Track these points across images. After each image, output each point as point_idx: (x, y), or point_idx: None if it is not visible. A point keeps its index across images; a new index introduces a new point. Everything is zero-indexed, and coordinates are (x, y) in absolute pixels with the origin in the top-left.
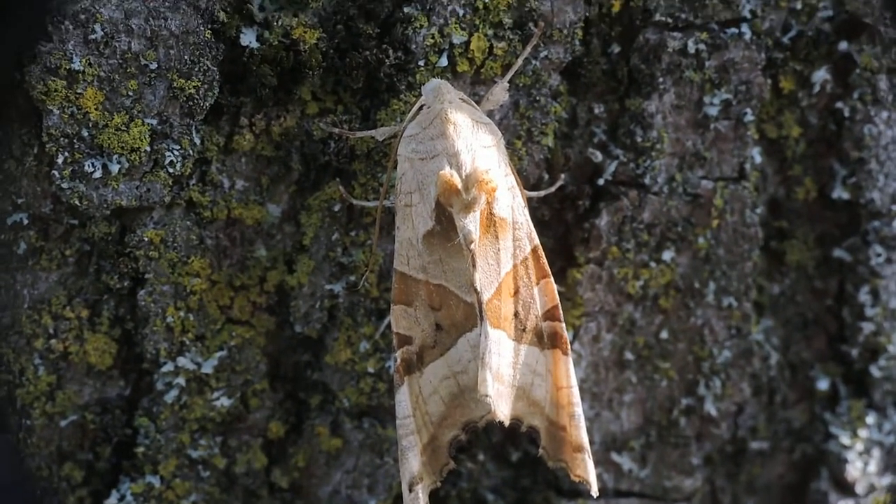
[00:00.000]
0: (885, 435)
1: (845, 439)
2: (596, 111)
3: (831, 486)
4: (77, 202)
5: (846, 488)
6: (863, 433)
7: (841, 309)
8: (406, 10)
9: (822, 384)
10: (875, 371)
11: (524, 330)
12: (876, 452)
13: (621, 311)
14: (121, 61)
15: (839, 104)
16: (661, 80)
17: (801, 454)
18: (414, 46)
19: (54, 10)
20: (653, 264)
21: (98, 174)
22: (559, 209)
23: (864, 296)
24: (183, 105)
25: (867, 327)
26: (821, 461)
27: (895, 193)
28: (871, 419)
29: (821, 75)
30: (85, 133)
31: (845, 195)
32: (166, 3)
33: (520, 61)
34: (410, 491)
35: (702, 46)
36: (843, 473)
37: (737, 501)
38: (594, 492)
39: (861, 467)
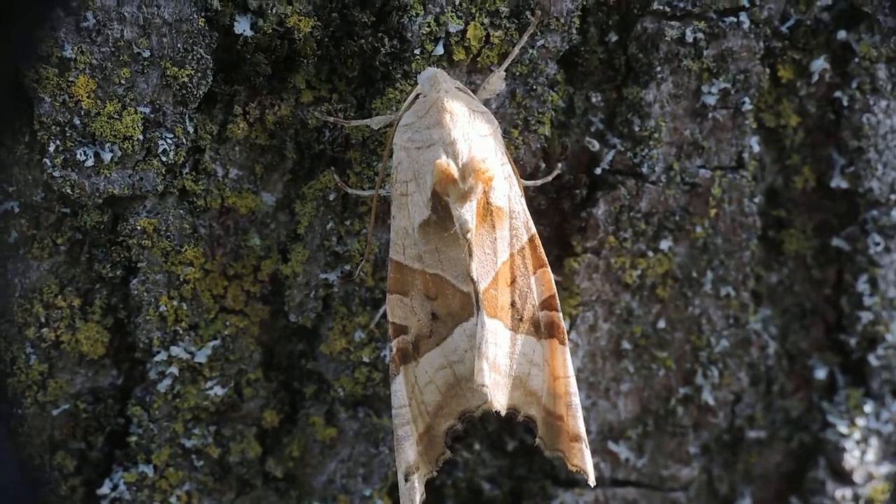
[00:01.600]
0: (882, 423)
1: (843, 428)
2: (593, 100)
3: (829, 475)
4: (69, 190)
5: (844, 477)
6: (860, 422)
7: (839, 298)
8: None
9: (820, 373)
10: (873, 360)
11: (521, 319)
12: (874, 441)
13: (618, 300)
14: (113, 49)
15: (838, 93)
16: (658, 68)
17: (799, 443)
18: (410, 35)
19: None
20: (650, 253)
21: (90, 162)
22: (556, 198)
23: (862, 285)
24: (176, 93)
25: (865, 316)
26: (818, 450)
27: (894, 182)
28: (868, 408)
29: (819, 64)
30: (77, 121)
31: (844, 184)
32: None
33: (516, 50)
34: (406, 480)
35: (700, 35)
36: (840, 462)
37: (734, 490)
38: (591, 481)
39: (859, 456)
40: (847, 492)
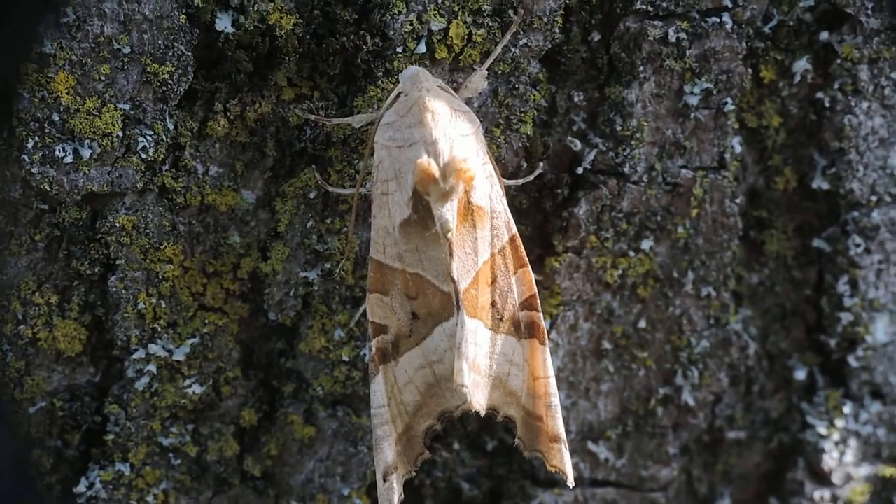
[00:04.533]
0: (861, 425)
1: (822, 429)
2: (575, 99)
3: (808, 476)
4: (47, 187)
5: (822, 478)
6: (840, 423)
7: (819, 299)
8: None
9: (800, 374)
10: (852, 361)
11: (501, 319)
12: (853, 442)
13: (599, 300)
14: (93, 45)
15: (820, 94)
16: (641, 68)
17: (778, 444)
18: (392, 33)
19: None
20: (631, 253)
21: (69, 159)
22: (538, 198)
23: (842, 286)
24: (156, 90)
25: (845, 318)
26: (797, 451)
27: (875, 184)
28: (847, 409)
29: (801, 65)
30: (56, 117)
31: (825, 185)
32: None
33: (499, 49)
34: (385, 480)
35: (682, 35)
36: (819, 463)
37: (713, 491)
38: (570, 482)
39: (837, 457)
40: (826, 493)
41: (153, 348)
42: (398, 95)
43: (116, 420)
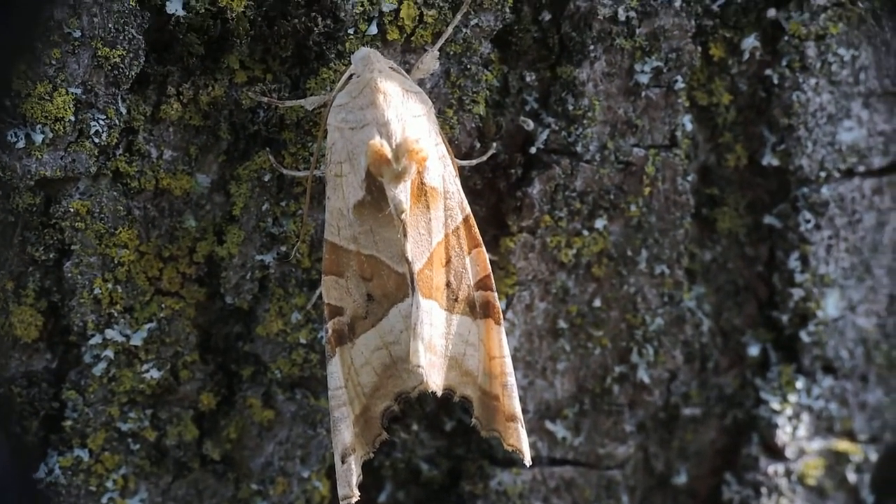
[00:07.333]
0: (813, 399)
1: (775, 404)
2: (527, 79)
3: (762, 451)
4: (0, 173)
5: (776, 453)
6: (792, 398)
7: (771, 275)
8: None
9: (753, 350)
10: (804, 336)
11: (456, 300)
12: (805, 417)
13: (554, 279)
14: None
15: (768, 71)
16: (591, 47)
17: (733, 420)
18: (343, 14)
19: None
20: (585, 232)
21: (21, 144)
22: (491, 178)
23: (793, 262)
24: (108, 74)
25: (797, 293)
26: (752, 426)
27: (823, 160)
28: (800, 384)
29: (750, 42)
30: (6, 102)
31: (775, 162)
32: None
33: (450, 29)
34: (343, 462)
35: (632, 14)
36: (773, 438)
37: (670, 467)
38: (527, 461)
39: (790, 432)
40: (780, 467)
41: (110, 333)
42: (350, 77)
43: (74, 406)
